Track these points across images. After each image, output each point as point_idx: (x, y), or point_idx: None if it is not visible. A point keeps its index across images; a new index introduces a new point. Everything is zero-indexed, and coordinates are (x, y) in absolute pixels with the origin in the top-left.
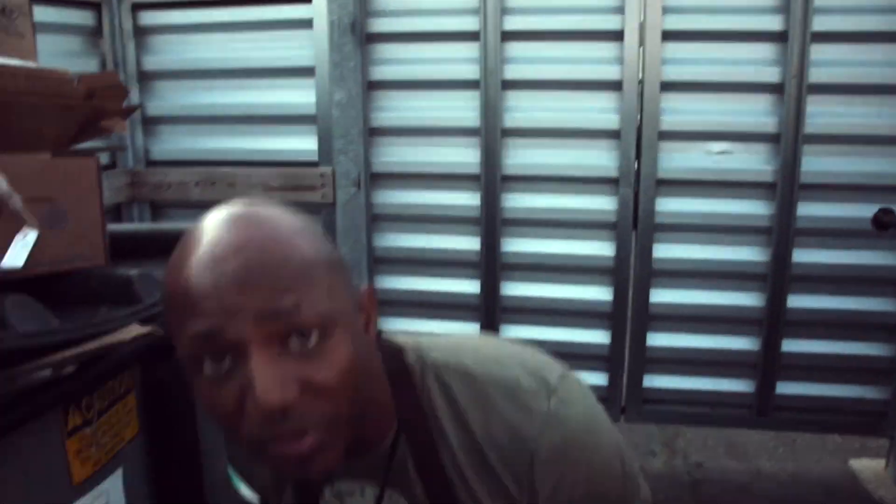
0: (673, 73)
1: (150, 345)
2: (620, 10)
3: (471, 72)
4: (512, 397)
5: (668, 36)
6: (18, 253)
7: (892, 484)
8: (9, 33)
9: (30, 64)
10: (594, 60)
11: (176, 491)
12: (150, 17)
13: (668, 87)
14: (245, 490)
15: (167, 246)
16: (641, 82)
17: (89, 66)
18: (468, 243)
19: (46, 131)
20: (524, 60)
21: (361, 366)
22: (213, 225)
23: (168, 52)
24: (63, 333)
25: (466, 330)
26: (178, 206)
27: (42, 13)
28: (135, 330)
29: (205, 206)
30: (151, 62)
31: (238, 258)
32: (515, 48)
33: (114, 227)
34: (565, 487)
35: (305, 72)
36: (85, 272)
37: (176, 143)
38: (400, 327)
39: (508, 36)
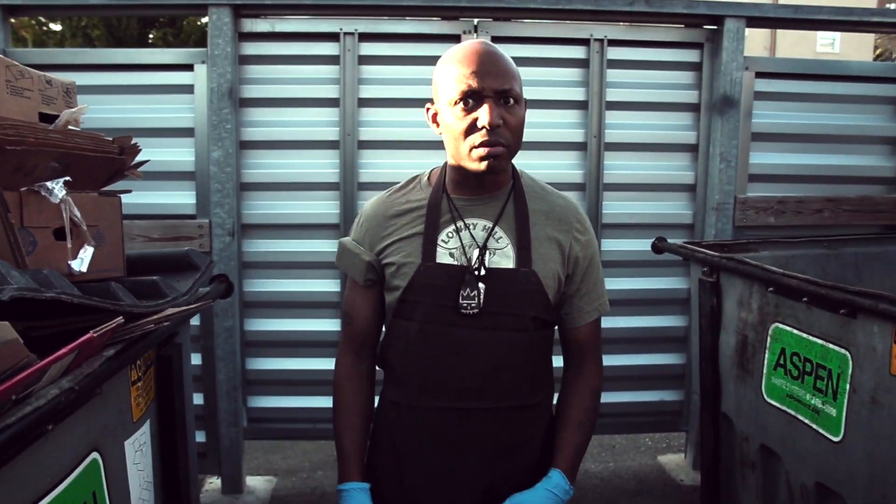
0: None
1: (166, 330)
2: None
3: (331, 133)
4: (559, 194)
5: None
6: (83, 261)
7: (690, 469)
8: (69, 105)
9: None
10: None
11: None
12: None
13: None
14: (366, 255)
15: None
16: None
17: None
18: (329, 285)
19: (95, 175)
20: (377, 124)
21: (521, 132)
22: (470, 42)
23: None
24: (146, 307)
25: (329, 365)
26: None
27: None
28: (172, 310)
29: None
30: None
31: (490, 53)
32: (369, 113)
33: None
34: (586, 229)
35: (185, 132)
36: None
37: None
38: (271, 367)
39: (363, 102)
